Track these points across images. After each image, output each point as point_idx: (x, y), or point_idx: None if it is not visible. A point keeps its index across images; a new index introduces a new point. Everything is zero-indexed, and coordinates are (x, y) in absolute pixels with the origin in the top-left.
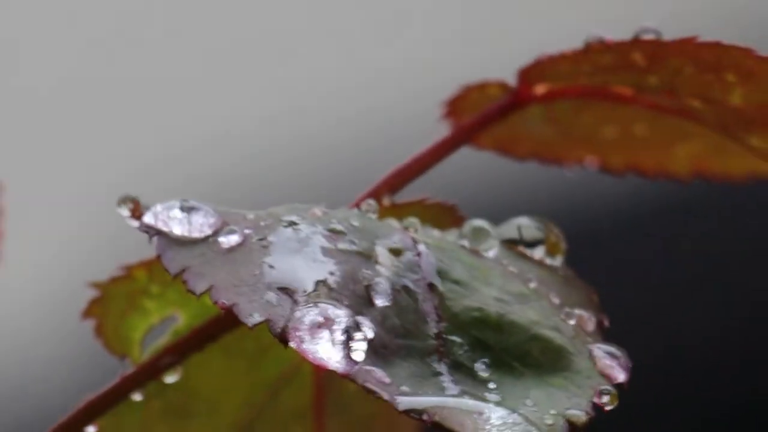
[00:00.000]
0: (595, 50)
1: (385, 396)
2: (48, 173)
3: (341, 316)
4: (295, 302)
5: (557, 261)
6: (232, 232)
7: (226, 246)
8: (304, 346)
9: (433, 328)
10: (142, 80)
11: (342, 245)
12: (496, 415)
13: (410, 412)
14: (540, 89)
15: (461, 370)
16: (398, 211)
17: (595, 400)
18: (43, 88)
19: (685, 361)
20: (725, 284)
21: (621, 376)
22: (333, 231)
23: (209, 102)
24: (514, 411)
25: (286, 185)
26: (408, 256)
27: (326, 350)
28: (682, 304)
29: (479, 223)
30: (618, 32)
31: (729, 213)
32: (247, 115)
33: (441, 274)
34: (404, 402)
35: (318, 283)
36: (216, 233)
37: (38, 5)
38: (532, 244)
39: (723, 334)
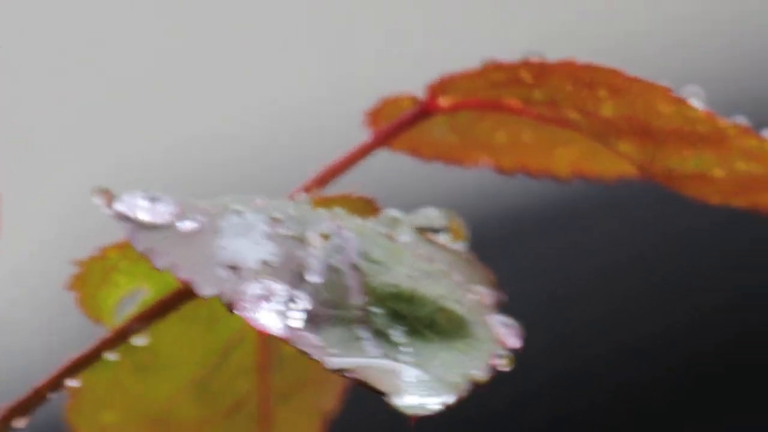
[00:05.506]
0: (490, 69)
1: (317, 356)
2: (39, 171)
3: (280, 290)
4: (242, 278)
5: (460, 245)
6: (189, 218)
7: (184, 230)
8: (248, 314)
9: (357, 301)
10: None
11: (281, 230)
12: (410, 373)
13: (337, 371)
14: (444, 102)
15: (381, 336)
16: (327, 203)
17: (492, 361)
18: (31, 88)
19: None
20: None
21: (514, 342)
22: (273, 218)
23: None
24: (425, 371)
25: (238, 179)
26: (335, 240)
27: (267, 318)
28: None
29: (394, 212)
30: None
31: (609, 210)
32: (198, 125)
33: (362, 255)
34: (332, 362)
35: (261, 262)
36: (176, 220)
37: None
38: (437, 231)
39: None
